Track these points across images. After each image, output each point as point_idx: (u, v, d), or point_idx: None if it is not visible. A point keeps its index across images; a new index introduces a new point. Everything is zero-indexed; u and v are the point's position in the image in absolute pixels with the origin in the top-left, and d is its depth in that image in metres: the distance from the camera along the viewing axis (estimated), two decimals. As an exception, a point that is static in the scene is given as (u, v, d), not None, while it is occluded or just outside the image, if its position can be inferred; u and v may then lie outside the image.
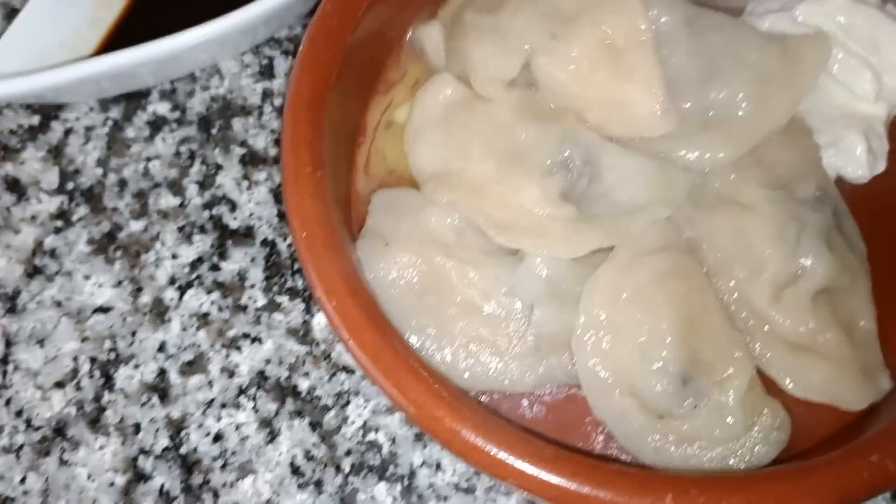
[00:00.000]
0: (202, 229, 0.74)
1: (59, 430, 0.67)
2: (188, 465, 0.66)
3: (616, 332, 0.61)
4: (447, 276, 0.65)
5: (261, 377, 0.69)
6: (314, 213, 0.60)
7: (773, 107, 0.68)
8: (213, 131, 0.77)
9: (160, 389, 0.68)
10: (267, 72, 0.80)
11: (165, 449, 0.67)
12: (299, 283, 0.72)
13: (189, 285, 0.72)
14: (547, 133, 0.67)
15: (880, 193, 0.71)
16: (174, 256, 0.73)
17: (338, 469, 0.66)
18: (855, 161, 0.70)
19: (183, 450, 0.67)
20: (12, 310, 0.71)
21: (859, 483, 0.53)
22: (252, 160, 0.76)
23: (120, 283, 0.72)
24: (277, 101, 0.79)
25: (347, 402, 0.68)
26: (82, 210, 0.74)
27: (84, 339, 0.70)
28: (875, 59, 0.71)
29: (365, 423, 0.68)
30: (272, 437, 0.67)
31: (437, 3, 0.75)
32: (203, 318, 0.71)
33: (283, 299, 0.71)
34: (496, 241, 0.64)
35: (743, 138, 0.68)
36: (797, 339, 0.65)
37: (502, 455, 0.54)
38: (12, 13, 0.82)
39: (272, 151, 0.77)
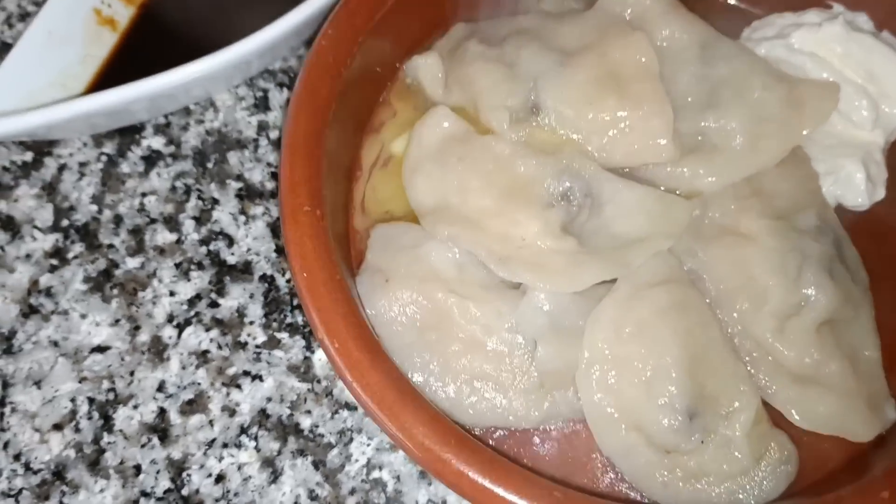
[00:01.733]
0: (200, 265, 0.73)
1: (59, 473, 0.66)
2: (189, 506, 0.65)
3: (620, 367, 0.61)
4: (449, 311, 0.65)
5: (262, 415, 0.68)
6: (314, 253, 0.60)
7: (763, 147, 0.68)
8: (209, 165, 0.77)
9: (160, 430, 0.67)
10: (262, 104, 0.80)
11: (167, 491, 0.66)
12: (299, 319, 0.71)
13: (188, 323, 0.71)
14: (546, 165, 0.67)
15: (880, 220, 0.72)
16: (172, 293, 0.72)
17: (341, 508, 0.65)
18: (854, 189, 0.70)
19: (185, 491, 0.66)
20: (8, 350, 0.70)
21: (870, 521, 0.53)
22: (248, 194, 0.76)
23: (117, 321, 0.71)
24: (273, 134, 0.78)
25: (350, 440, 0.67)
26: (78, 247, 0.73)
27: (82, 380, 0.69)
28: (871, 86, 0.72)
29: (369, 461, 0.67)
30: (275, 476, 0.66)
31: (429, 39, 0.74)
32: (202, 356, 0.70)
33: (284, 336, 0.71)
34: (498, 274, 0.64)
35: (728, 169, 0.68)
36: (802, 370, 0.65)
37: (512, 497, 0.54)
38: (4, 48, 0.81)
39: (269, 185, 0.76)
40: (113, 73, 0.78)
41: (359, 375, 0.57)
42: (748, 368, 0.64)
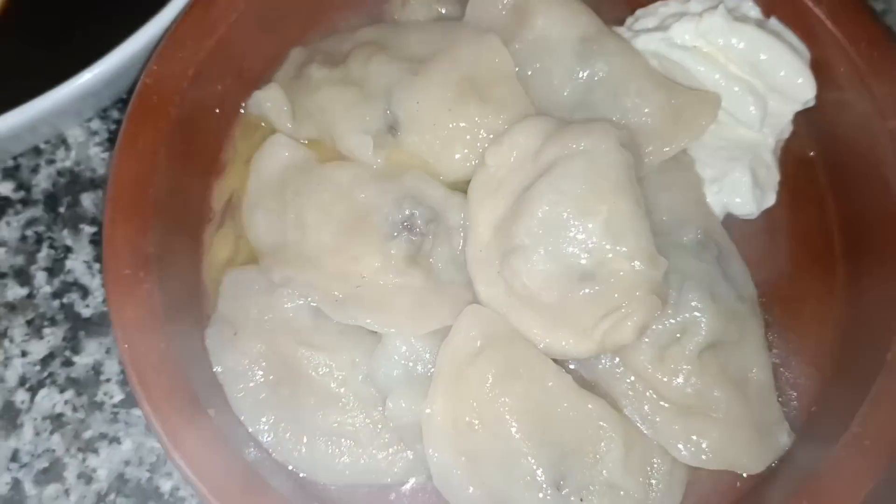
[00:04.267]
0: (53, 321, 0.69)
1: (-89, 554, 0.63)
2: (47, 583, 0.62)
3: (473, 461, 0.56)
4: (301, 365, 0.60)
5: (120, 481, 0.64)
6: (136, 322, 0.56)
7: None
8: (62, 210, 0.72)
9: (15, 502, 0.64)
10: (116, 138, 0.74)
11: (23, 567, 0.63)
12: (159, 372, 0.67)
13: (41, 384, 0.67)
14: (386, 192, 0.62)
15: (772, 228, 0.66)
16: (24, 354, 0.68)
17: (206, 575, 0.62)
18: (742, 196, 0.65)
19: (41, 567, 0.63)
20: None
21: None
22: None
23: (-32, 387, 0.67)
24: (131, 169, 0.73)
25: (213, 502, 0.64)
26: (-76, 310, 0.69)
27: (-68, 453, 0.65)
28: (758, 82, 0.65)
29: (233, 523, 0.63)
30: (135, 545, 0.63)
31: (269, 70, 0.69)
32: (57, 420, 0.66)
33: (142, 392, 0.67)
34: (334, 319, 0.59)
35: None
36: (685, 400, 0.60)
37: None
38: None
39: (127, 226, 0.71)
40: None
41: (184, 454, 0.53)
42: (632, 401, 0.60)
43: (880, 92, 0.62)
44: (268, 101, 0.66)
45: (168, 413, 0.53)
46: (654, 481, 0.58)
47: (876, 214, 0.62)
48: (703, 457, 0.59)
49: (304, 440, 0.59)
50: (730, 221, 0.66)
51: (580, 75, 0.66)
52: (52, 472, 0.65)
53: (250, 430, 0.59)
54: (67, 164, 0.74)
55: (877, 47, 0.63)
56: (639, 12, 0.72)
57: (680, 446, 0.59)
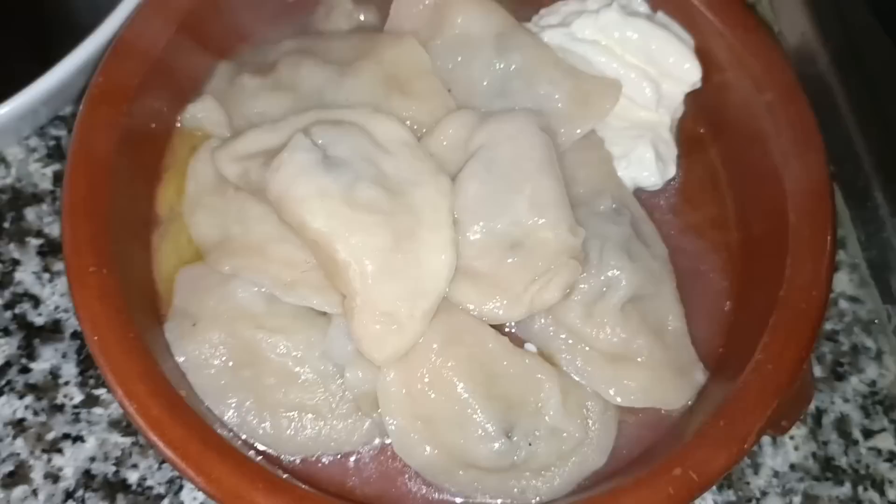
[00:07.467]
0: (6, 331, 0.71)
1: None
2: (22, 582, 0.64)
3: (430, 422, 0.62)
4: (259, 348, 0.64)
5: (87, 477, 0.67)
6: (103, 315, 0.59)
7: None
8: (6, 225, 0.74)
9: (-18, 508, 0.66)
10: (55, 153, 0.77)
11: (-5, 570, 0.64)
12: (117, 372, 0.70)
13: (0, 393, 0.69)
14: None
15: (675, 195, 0.75)
16: (-21, 365, 0.70)
17: (180, 558, 0.65)
18: (647, 170, 0.72)
19: (14, 568, 0.64)
20: None
21: (666, 499, 0.56)
22: (51, 250, 0.73)
23: (-74, 402, 0.68)
24: (72, 183, 0.76)
25: (181, 488, 0.67)
26: None
27: None
28: (651, 68, 0.74)
29: (202, 506, 0.67)
30: (107, 537, 0.65)
31: (201, 84, 0.74)
32: (19, 425, 0.68)
33: (102, 391, 0.69)
34: (285, 301, 0.64)
35: None
36: (612, 349, 0.67)
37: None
38: None
39: (72, 236, 0.74)
40: None
41: (160, 433, 0.56)
42: (563, 355, 0.66)
43: (756, 70, 0.71)
44: (201, 112, 0.70)
45: (143, 396, 0.57)
46: (590, 422, 0.65)
47: (758, 176, 0.71)
48: (632, 397, 0.65)
49: (267, 417, 0.63)
50: (638, 192, 0.74)
51: (498, 67, 0.73)
52: (18, 475, 0.66)
53: (215, 412, 0.63)
54: (8, 181, 0.76)
55: (751, 32, 0.73)
56: (543, 11, 0.79)
57: (611, 391, 0.65)
